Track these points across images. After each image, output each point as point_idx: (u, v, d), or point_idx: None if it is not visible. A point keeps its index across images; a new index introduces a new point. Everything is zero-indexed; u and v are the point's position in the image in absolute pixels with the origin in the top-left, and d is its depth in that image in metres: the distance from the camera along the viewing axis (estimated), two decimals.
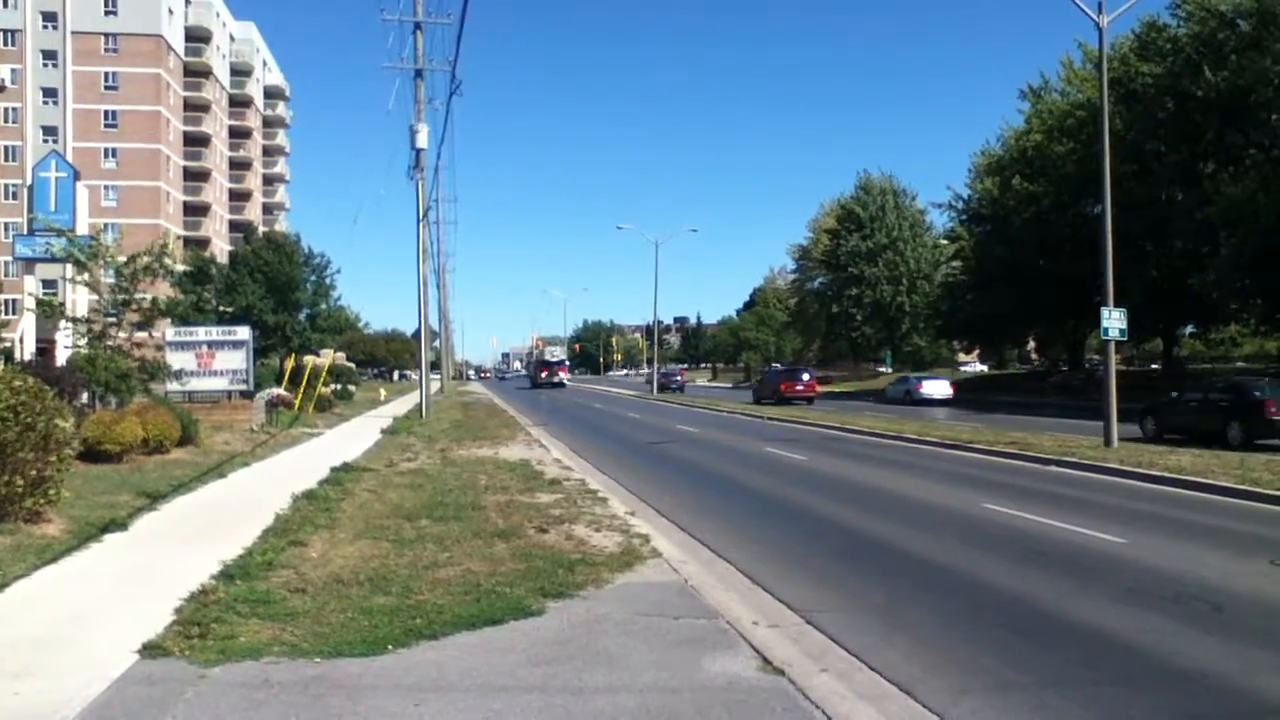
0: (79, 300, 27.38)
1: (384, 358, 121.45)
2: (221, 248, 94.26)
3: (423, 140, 34.53)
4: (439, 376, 73.19)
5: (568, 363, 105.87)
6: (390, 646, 6.56)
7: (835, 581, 9.41)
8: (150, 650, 6.41)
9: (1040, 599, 8.52)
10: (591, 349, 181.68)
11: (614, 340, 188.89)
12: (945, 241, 79.06)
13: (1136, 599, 8.45)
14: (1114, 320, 21.83)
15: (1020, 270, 52.31)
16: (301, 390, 33.09)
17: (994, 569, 9.75)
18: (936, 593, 8.90)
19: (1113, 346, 22.97)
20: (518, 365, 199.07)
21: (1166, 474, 16.39)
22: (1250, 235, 37.06)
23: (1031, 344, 75.33)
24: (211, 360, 26.79)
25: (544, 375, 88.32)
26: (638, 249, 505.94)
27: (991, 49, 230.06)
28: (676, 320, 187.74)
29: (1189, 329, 59.46)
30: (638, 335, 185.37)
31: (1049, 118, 52.29)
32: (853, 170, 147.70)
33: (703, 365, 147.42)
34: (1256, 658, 6.82)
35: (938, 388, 51.46)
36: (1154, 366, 63.07)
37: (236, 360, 27.11)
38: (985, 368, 69.54)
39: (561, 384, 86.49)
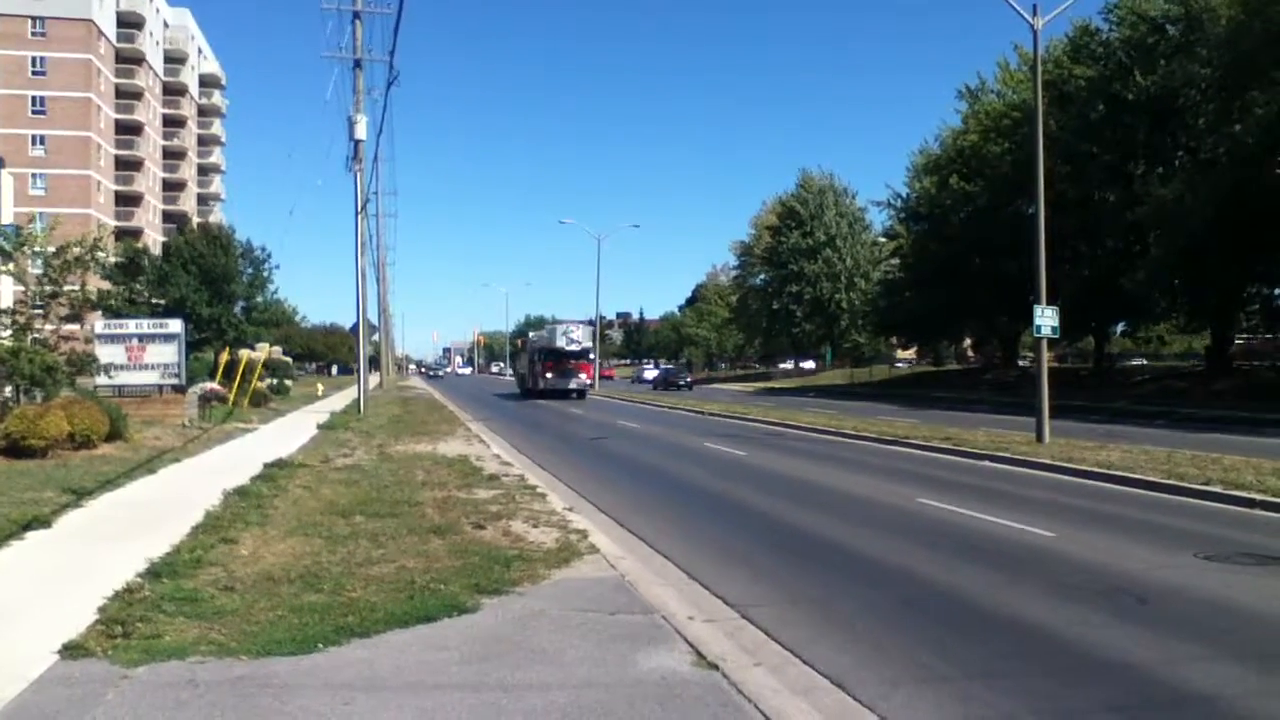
0: (3, 291, 26.61)
1: (322, 352, 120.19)
2: (154, 239, 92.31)
3: (361, 131, 34.08)
4: (379, 372, 72.48)
5: (594, 356, 60.91)
6: (321, 645, 6.45)
7: (771, 576, 9.46)
8: (71, 650, 6.24)
9: (972, 592, 8.64)
10: None
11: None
12: (884, 240, 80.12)
13: (1065, 592, 8.60)
14: (1046, 318, 22.21)
15: (956, 268, 53.09)
16: (236, 385, 32.53)
17: (927, 563, 9.86)
18: (870, 586, 8.99)
19: (1045, 344, 23.37)
20: (459, 360, 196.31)
21: (1096, 469, 16.71)
22: (1178, 236, 37.99)
23: (968, 341, 76.56)
24: (142, 354, 26.21)
25: (550, 376, 51.17)
26: (580, 244, 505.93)
27: (931, 49, 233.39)
28: (619, 315, 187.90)
29: (1120, 327, 60.82)
30: None
31: (985, 118, 53.15)
32: (796, 167, 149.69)
33: (644, 361, 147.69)
34: (1179, 649, 6.97)
35: (651, 374, 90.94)
36: (1068, 363, 64.28)
37: (168, 354, 26.56)
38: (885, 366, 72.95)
39: (582, 393, 52.42)
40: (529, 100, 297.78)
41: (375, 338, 71.28)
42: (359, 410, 33.26)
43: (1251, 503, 13.14)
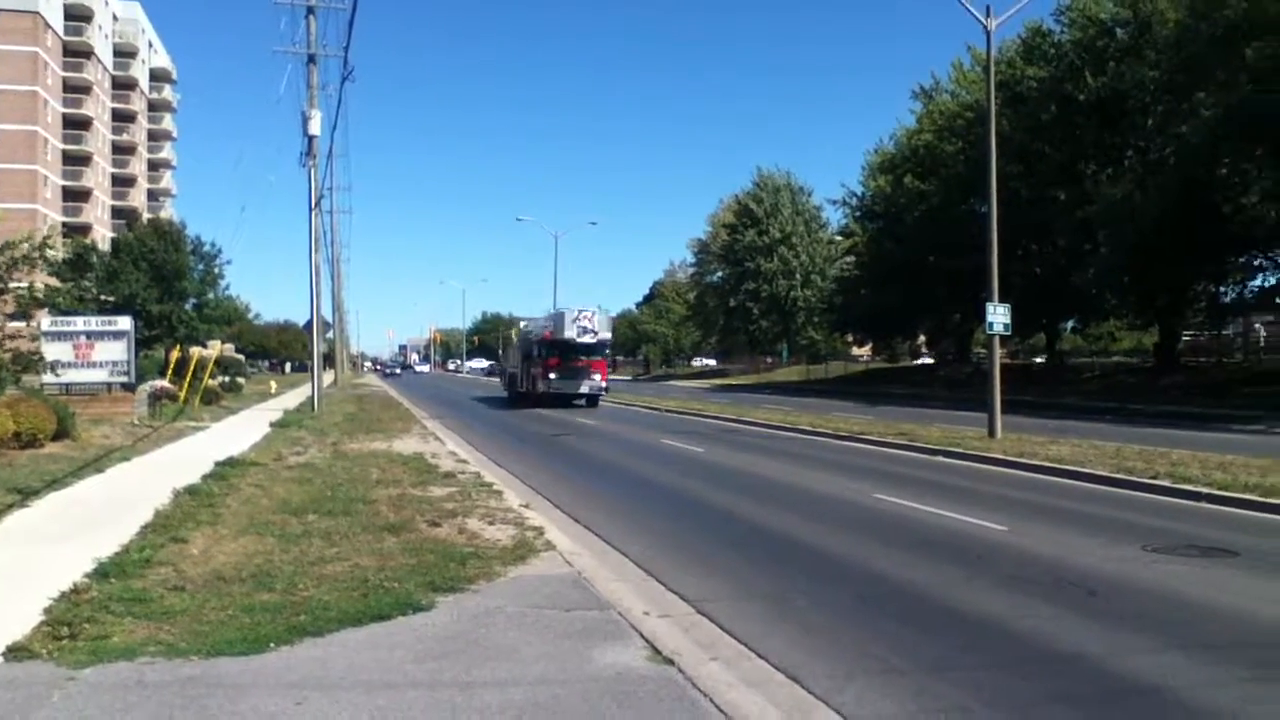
0: None
1: (275, 349, 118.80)
2: (103, 235, 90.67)
3: (315, 127, 33.69)
4: (333, 369, 71.74)
5: (609, 351, 48.34)
6: (272, 644, 6.37)
7: (727, 571, 9.48)
8: (15, 653, 6.11)
9: (926, 586, 8.72)
10: (491, 341, 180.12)
11: (513, 332, 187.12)
12: (840, 238, 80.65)
13: (1017, 585, 8.71)
14: (998, 315, 22.49)
15: (911, 266, 53.57)
16: (186, 383, 32.07)
17: (882, 557, 9.95)
18: (826, 581, 9.04)
19: (997, 341, 23.67)
20: (415, 357, 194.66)
21: (1047, 463, 16.96)
22: (1127, 234, 38.63)
23: (922, 338, 77.25)
24: (90, 351, 25.82)
25: (554, 377, 38.68)
26: (538, 241, 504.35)
27: (887, 49, 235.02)
28: None
29: (1071, 324, 61.69)
30: None
31: (940, 118, 53.74)
32: (754, 165, 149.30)
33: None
34: (1127, 640, 7.08)
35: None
36: (1020, 359, 65.16)
37: (117, 351, 26.17)
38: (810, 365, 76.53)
39: (594, 400, 40.03)
40: (485, 97, 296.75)
41: (329, 335, 70.50)
42: (313, 408, 32.91)
43: (1198, 496, 13.39)
